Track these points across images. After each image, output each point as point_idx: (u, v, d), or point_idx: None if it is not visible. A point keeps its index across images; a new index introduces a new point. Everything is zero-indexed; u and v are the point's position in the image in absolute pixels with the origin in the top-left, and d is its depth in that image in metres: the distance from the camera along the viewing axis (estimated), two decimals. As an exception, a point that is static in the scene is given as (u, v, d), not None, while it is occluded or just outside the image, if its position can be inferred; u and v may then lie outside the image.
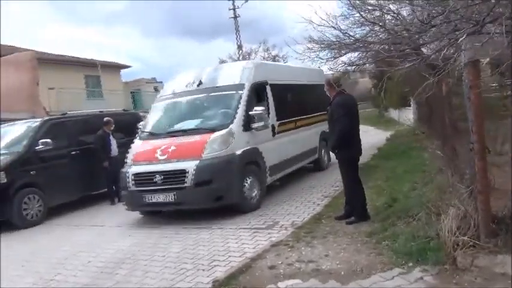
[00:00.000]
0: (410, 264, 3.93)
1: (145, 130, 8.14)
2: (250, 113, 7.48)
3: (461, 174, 4.59)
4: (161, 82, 32.30)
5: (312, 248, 4.87)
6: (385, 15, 13.74)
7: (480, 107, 3.49)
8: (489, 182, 3.68)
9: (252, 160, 7.50)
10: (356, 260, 4.30)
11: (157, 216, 7.73)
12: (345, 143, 5.55)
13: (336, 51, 14.37)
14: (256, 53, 38.06)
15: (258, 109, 7.54)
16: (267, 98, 8.46)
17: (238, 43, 35.51)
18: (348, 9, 13.67)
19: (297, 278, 4.11)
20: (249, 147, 7.44)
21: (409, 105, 21.68)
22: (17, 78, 15.69)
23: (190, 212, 7.09)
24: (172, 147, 7.13)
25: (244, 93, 7.71)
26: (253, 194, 7.29)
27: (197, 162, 6.79)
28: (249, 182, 7.20)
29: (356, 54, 15.66)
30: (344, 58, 15.26)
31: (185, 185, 6.73)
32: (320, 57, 14.57)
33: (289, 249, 4.90)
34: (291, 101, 9.51)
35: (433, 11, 8.99)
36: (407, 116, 22.40)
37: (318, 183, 9.16)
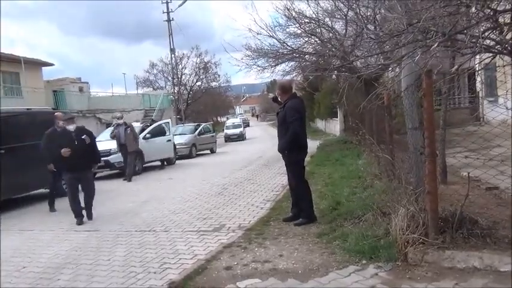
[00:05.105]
0: (364, 261, 4.12)
1: None
2: None
3: (405, 178, 4.90)
4: (87, 83, 30.80)
5: (266, 248, 4.92)
6: (321, 28, 14.32)
7: (432, 114, 3.78)
8: (437, 184, 3.98)
9: None
10: (311, 259, 4.42)
11: (96, 220, 7.37)
12: (294, 145, 5.68)
13: (272, 60, 14.77)
14: (189, 58, 37.81)
15: None
16: None
17: (172, 46, 34.92)
18: (285, 19, 14.12)
19: (255, 277, 4.13)
20: None
21: (336, 116, 22.73)
22: None
23: (130, 216, 6.72)
24: None
25: None
26: None
27: None
28: None
29: (291, 63, 16.22)
30: (280, 67, 15.74)
31: None
32: (258, 65, 14.89)
33: (242, 250, 4.92)
34: None
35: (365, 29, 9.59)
36: (334, 126, 23.46)
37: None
